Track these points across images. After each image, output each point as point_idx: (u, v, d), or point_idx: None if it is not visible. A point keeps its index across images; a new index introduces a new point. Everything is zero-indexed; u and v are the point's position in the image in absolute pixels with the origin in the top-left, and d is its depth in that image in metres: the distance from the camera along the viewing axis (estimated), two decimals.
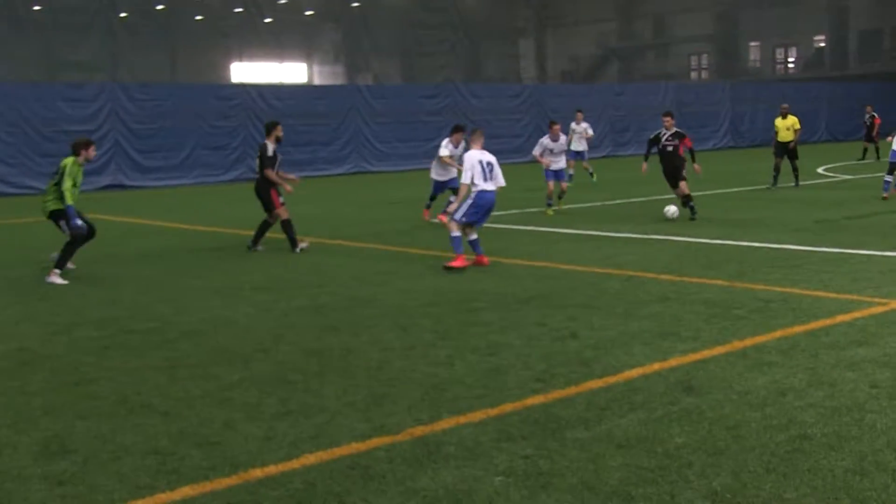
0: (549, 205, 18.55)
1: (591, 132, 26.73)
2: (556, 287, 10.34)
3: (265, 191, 14.05)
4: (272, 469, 5.11)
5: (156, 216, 19.38)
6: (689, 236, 13.97)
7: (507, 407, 6.07)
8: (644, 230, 14.61)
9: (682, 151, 16.49)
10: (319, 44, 61.48)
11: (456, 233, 11.82)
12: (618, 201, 20.28)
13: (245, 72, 56.87)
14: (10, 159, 29.27)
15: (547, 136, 18.92)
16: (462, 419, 5.84)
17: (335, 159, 35.45)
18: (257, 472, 5.06)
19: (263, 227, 14.17)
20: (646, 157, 17.18)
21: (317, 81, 59.17)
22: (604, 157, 42.29)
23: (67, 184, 11.70)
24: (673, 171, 16.46)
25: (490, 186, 11.83)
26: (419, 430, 5.65)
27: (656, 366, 6.96)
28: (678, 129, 16.79)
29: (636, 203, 19.73)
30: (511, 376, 6.80)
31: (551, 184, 18.74)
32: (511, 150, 39.07)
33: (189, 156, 32.04)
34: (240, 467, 5.14)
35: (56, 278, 11.59)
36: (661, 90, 44.63)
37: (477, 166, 11.79)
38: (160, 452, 5.40)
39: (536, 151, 19.00)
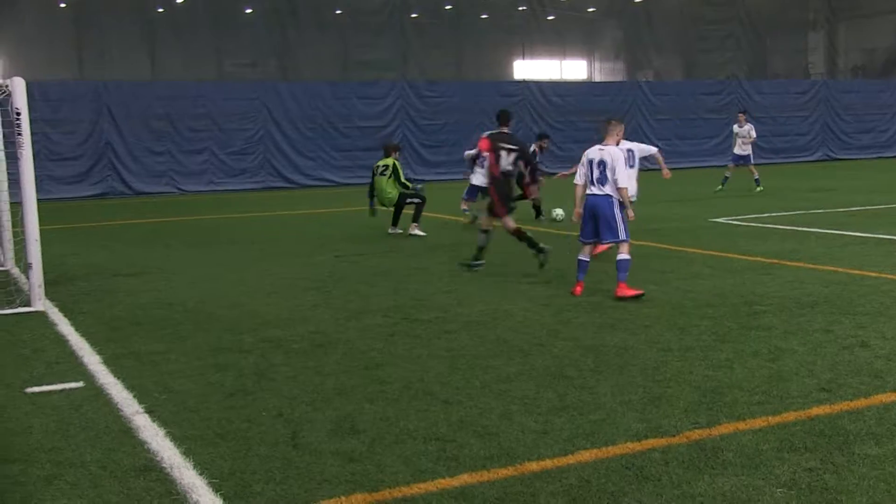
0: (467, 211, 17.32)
1: (754, 134, 24.29)
2: (843, 293, 9.76)
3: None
4: (548, 463, 5.15)
5: (439, 209, 20.04)
6: None
7: (790, 416, 5.81)
8: None
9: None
10: (600, 40, 61.18)
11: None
12: None
13: (527, 69, 57.61)
14: (309, 153, 31.47)
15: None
16: (741, 425, 5.66)
17: None
18: (533, 465, 5.12)
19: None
20: None
21: (597, 78, 59.02)
22: None
23: (402, 176, 15.80)
24: None
25: (594, 190, 10.20)
26: (696, 434, 5.52)
27: None
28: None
29: None
30: (794, 384, 6.50)
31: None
32: (796, 148, 37.45)
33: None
34: (516, 459, 5.22)
35: (417, 230, 15.59)
36: None
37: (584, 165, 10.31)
38: (441, 439, 5.58)
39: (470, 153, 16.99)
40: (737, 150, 24.45)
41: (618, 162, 10.09)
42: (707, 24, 47.38)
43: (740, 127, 24.56)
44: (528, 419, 5.90)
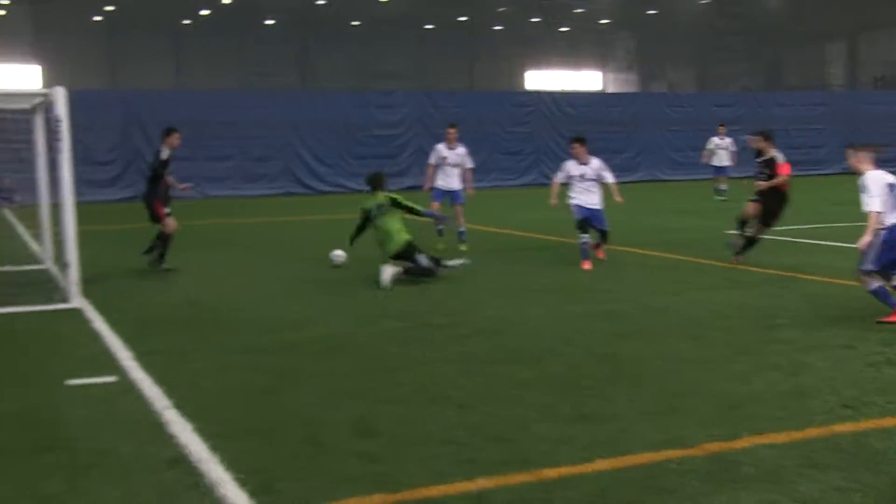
0: (440, 231, 15.42)
1: (734, 148, 24.92)
2: (867, 308, 9.51)
3: (151, 201, 13.20)
4: (565, 470, 5.14)
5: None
6: None
7: (812, 432, 5.74)
8: None
9: None
10: (614, 52, 61.28)
11: (875, 284, 8.93)
12: None
13: (539, 80, 57.66)
14: (328, 160, 31.89)
15: (443, 143, 16.08)
16: (761, 440, 5.60)
17: (627, 167, 35.30)
18: (550, 472, 5.11)
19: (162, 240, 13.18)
20: None
21: (610, 89, 59.03)
22: None
23: (409, 201, 12.33)
24: None
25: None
26: (715, 447, 5.47)
27: None
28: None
29: None
30: (816, 400, 6.42)
31: (437, 204, 15.57)
32: (813, 161, 37.32)
33: (485, 160, 33.06)
34: (533, 465, 5.21)
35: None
36: None
37: (884, 189, 8.78)
38: (457, 442, 5.59)
39: (432, 160, 16.02)
40: (715, 162, 25.21)
41: None
42: (722, 35, 47.30)
43: (721, 139, 25.14)
44: (543, 426, 5.89)
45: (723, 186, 25.03)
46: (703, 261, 13.38)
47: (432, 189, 16.03)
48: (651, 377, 7.08)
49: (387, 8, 45.28)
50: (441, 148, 16.03)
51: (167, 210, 13.08)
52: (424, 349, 8.09)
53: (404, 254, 11.88)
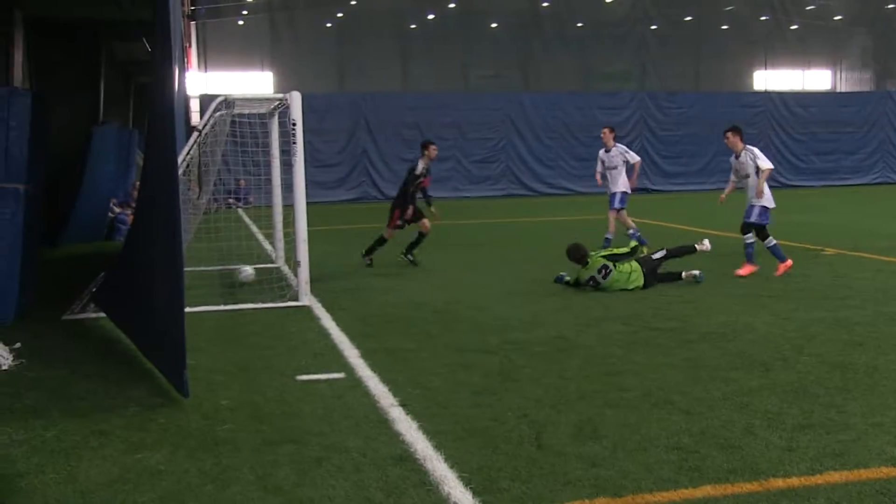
0: (637, 238, 14.83)
1: None
2: None
3: (392, 208, 14.28)
4: (794, 481, 5.03)
5: (677, 220, 19.82)
6: None
7: None
8: None
9: None
10: (847, 49, 58.35)
11: None
12: None
13: (767, 79, 55.79)
14: (549, 162, 32.16)
15: (603, 148, 15.57)
16: None
17: (860, 168, 33.70)
18: (778, 483, 5.02)
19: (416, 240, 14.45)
20: None
21: (842, 88, 56.23)
22: None
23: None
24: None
25: None
26: None
27: None
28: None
29: None
30: None
31: (612, 214, 15.39)
32: None
33: (710, 162, 32.35)
34: (760, 474, 5.13)
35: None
36: None
37: None
38: (682, 449, 5.56)
39: (597, 168, 15.67)
40: None
41: None
42: None
43: None
44: (771, 434, 5.78)
45: None
46: None
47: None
48: (888, 388, 6.79)
49: (610, 9, 45.09)
50: (600, 154, 15.74)
51: (399, 223, 14.12)
52: (649, 353, 8.08)
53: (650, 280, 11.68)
